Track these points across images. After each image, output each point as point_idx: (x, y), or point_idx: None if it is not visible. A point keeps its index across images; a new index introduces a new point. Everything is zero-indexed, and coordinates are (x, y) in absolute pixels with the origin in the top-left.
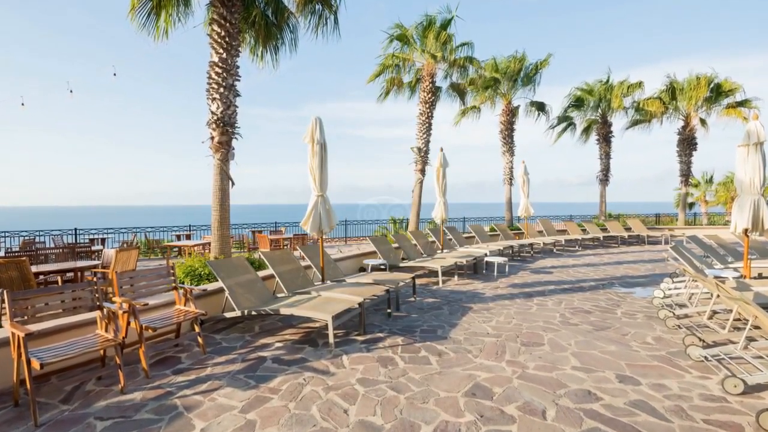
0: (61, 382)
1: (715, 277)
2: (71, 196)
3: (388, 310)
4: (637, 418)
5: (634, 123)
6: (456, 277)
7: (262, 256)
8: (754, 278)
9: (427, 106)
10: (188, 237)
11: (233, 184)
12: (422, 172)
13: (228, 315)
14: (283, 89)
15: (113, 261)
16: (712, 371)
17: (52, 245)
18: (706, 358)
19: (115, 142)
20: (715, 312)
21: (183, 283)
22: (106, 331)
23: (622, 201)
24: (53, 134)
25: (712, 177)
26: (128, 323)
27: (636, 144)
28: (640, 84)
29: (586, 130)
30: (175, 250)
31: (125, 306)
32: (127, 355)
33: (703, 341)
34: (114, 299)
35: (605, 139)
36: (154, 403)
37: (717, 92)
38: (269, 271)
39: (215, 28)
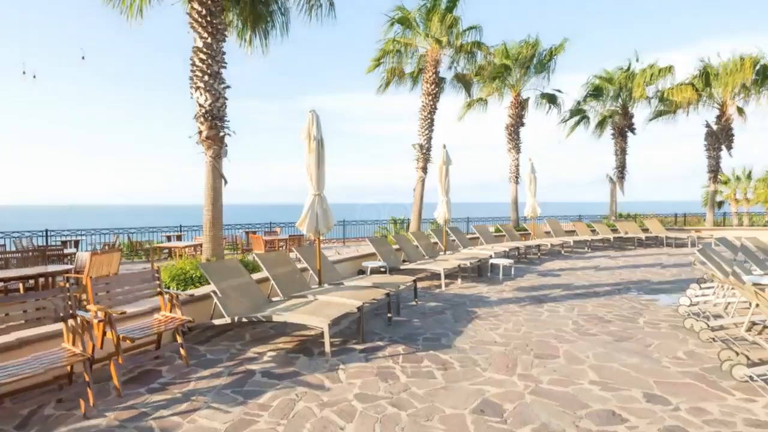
0: (15, 405)
1: (754, 284)
2: (45, 195)
3: (389, 315)
4: None
5: (658, 114)
6: (459, 279)
7: (256, 258)
8: None
9: (430, 98)
10: (179, 238)
11: (226, 182)
12: (424, 169)
13: (216, 322)
14: (279, 85)
15: (87, 265)
16: (756, 392)
17: (13, 248)
18: (751, 377)
19: (107, 140)
20: (753, 323)
21: (169, 288)
22: (74, 344)
23: (642, 200)
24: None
25: (750, 173)
26: (104, 333)
27: (656, 139)
28: (670, 69)
29: (601, 124)
30: (165, 251)
31: (101, 314)
32: (100, 371)
33: (748, 358)
34: (88, 307)
35: (621, 133)
36: (125, 427)
37: (764, 75)
38: (264, 273)
39: (195, 6)
